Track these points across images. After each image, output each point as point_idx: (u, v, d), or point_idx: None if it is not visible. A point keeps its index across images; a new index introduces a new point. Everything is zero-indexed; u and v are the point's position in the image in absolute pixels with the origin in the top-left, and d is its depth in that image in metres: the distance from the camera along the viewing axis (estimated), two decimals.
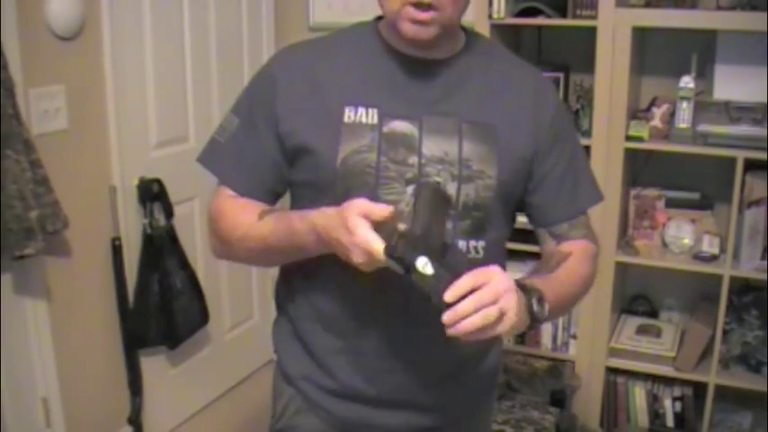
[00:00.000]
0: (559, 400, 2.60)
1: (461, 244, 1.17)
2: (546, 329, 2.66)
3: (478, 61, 1.21)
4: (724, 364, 2.44)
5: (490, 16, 2.46)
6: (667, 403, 2.55)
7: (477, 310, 0.96)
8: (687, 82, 2.33)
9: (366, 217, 1.00)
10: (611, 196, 2.44)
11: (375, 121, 1.14)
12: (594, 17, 2.35)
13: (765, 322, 2.40)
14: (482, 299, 0.96)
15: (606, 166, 2.42)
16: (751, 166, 2.29)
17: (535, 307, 1.06)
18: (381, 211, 1.01)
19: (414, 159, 1.14)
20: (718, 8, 2.32)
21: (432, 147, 1.15)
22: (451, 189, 1.14)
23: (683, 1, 2.34)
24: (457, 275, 0.98)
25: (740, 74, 2.32)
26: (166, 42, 2.49)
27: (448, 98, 1.17)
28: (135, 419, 2.48)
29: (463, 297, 0.96)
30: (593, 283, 1.28)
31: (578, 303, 1.31)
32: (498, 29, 2.50)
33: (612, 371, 2.60)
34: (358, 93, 1.16)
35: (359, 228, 1.00)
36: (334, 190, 1.14)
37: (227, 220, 1.21)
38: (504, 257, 1.30)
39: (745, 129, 2.26)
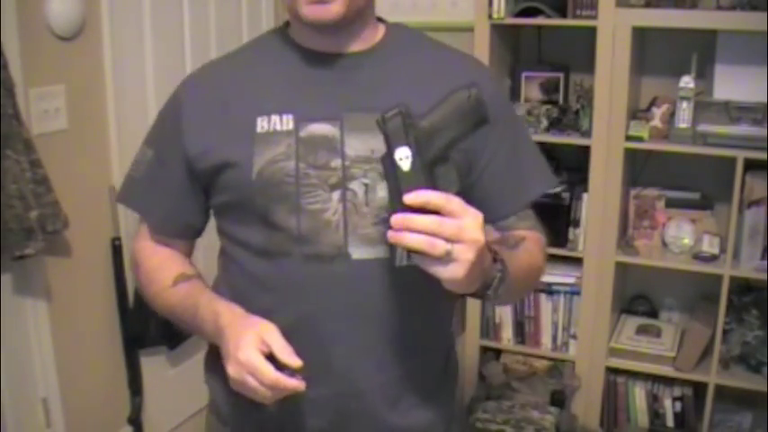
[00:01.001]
0: (559, 400, 2.60)
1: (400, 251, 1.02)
2: (546, 329, 2.66)
3: (403, 52, 1.13)
4: (724, 364, 2.44)
5: (490, 16, 2.46)
6: (667, 403, 2.55)
7: (427, 233, 0.84)
8: (687, 82, 2.33)
9: (265, 344, 0.94)
10: (611, 196, 2.44)
11: (291, 126, 1.06)
12: (594, 17, 2.35)
13: (765, 322, 2.40)
14: (441, 227, 0.85)
15: (606, 166, 2.42)
16: (751, 166, 2.29)
17: (495, 282, 0.97)
18: (283, 351, 0.94)
19: (337, 162, 1.05)
20: (719, 8, 2.32)
21: (356, 146, 1.06)
22: (382, 190, 1.05)
23: (683, 1, 2.34)
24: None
25: (740, 74, 2.32)
26: (166, 42, 2.49)
27: (371, 93, 1.08)
28: (135, 419, 2.48)
29: (425, 212, 0.85)
30: (542, 274, 1.20)
31: (524, 295, 1.24)
32: (498, 29, 2.50)
33: (612, 371, 2.60)
34: (270, 100, 1.08)
35: (249, 346, 0.94)
36: (254, 206, 1.07)
37: (144, 270, 1.18)
38: None
39: (745, 129, 2.26)
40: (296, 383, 0.94)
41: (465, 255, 0.86)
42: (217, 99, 1.10)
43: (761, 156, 2.24)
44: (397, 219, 0.85)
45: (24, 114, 1.93)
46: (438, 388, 1.22)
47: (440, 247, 0.84)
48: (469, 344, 2.72)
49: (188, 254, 1.23)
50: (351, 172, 1.05)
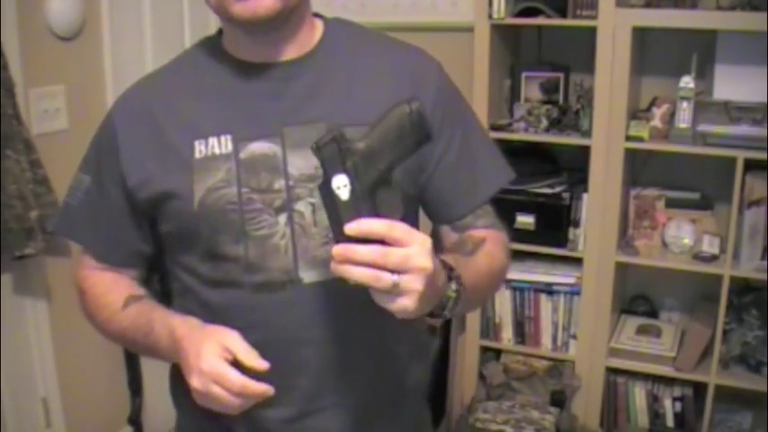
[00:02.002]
0: (559, 400, 2.60)
1: None
2: (546, 329, 2.66)
3: (342, 53, 1.06)
4: (724, 364, 2.44)
5: (490, 16, 2.46)
6: (667, 403, 2.55)
7: (370, 265, 0.79)
8: (687, 82, 2.33)
9: (227, 351, 0.90)
10: (611, 196, 2.44)
11: (229, 149, 0.99)
12: (594, 17, 2.35)
13: (765, 322, 2.40)
14: (385, 258, 0.79)
15: (606, 166, 2.42)
16: (751, 166, 2.29)
17: (449, 303, 0.91)
18: (248, 355, 0.90)
19: (280, 183, 0.99)
20: (719, 8, 2.32)
21: (299, 163, 0.99)
22: None
23: (683, 1, 2.34)
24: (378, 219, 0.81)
25: (740, 74, 2.32)
26: (166, 42, 2.49)
27: (310, 102, 1.02)
28: (135, 419, 2.48)
29: (368, 242, 0.80)
30: (506, 273, 1.14)
31: (486, 300, 1.19)
32: (498, 29, 2.50)
33: (612, 371, 2.60)
34: (206, 121, 1.01)
35: (210, 354, 0.90)
36: (199, 236, 1.02)
37: (90, 298, 1.12)
38: None
39: (745, 129, 2.26)
40: (264, 387, 0.90)
41: (413, 285, 0.81)
42: (151, 123, 1.04)
43: (761, 156, 2.24)
44: (339, 250, 0.80)
45: (24, 114, 1.93)
46: (407, 402, 1.18)
47: (384, 279, 0.80)
48: (469, 344, 2.72)
49: (138, 280, 1.16)
50: (295, 192, 1.00)
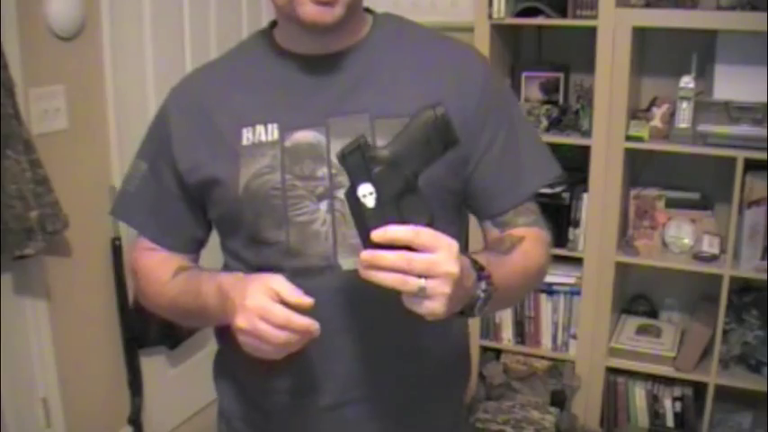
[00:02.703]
0: (559, 400, 2.60)
1: None
2: (546, 329, 2.66)
3: (388, 46, 1.08)
4: (724, 364, 2.44)
5: (490, 16, 2.46)
6: (667, 403, 2.55)
7: (397, 271, 0.82)
8: (687, 82, 2.33)
9: (275, 294, 0.90)
10: (611, 196, 2.44)
11: (275, 137, 1.03)
12: (594, 17, 2.35)
13: (765, 322, 2.40)
14: (411, 263, 0.81)
15: (606, 166, 2.42)
16: (751, 166, 2.29)
17: (478, 303, 0.92)
18: (292, 293, 0.90)
19: (323, 171, 1.03)
20: (718, 8, 2.32)
21: None
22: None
23: (683, 1, 2.34)
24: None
25: (740, 74, 2.32)
26: (166, 42, 2.49)
27: (355, 93, 1.04)
28: (135, 419, 2.48)
29: (394, 248, 0.82)
30: (546, 274, 1.14)
31: (523, 298, 1.20)
32: (498, 29, 2.50)
33: (612, 371, 2.60)
34: (255, 110, 1.05)
35: (257, 292, 0.90)
36: (242, 222, 1.06)
37: (142, 276, 1.16)
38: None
39: (745, 129, 2.26)
40: (308, 321, 0.90)
41: (440, 289, 0.83)
42: (201, 111, 1.08)
43: (761, 156, 2.24)
44: (366, 256, 0.83)
45: (24, 114, 1.93)
46: (442, 393, 1.19)
47: (411, 284, 0.82)
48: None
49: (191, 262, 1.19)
50: (337, 180, 1.02)
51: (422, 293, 0.82)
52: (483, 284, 0.93)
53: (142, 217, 1.16)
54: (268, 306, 0.90)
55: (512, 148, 1.10)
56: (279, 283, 0.92)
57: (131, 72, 2.37)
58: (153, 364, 2.56)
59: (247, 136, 1.04)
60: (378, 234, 0.82)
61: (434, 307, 0.83)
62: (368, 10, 1.12)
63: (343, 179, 0.98)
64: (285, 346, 0.91)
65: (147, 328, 2.43)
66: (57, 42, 2.10)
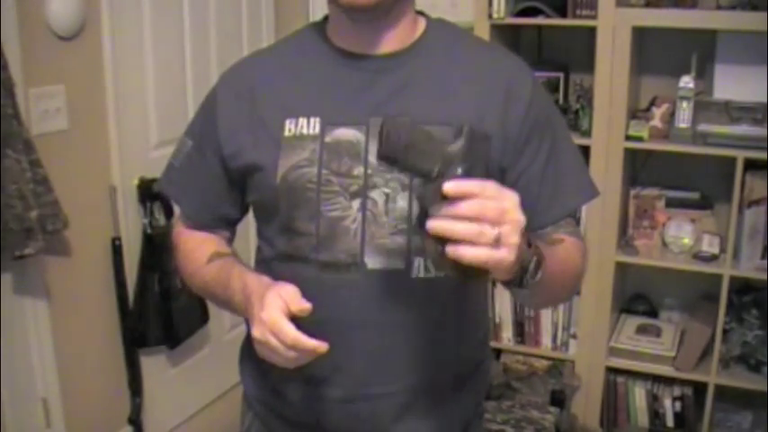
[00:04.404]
0: (559, 399, 2.60)
1: (417, 263, 1.06)
2: (546, 329, 2.66)
3: (438, 52, 1.10)
4: (724, 364, 2.44)
5: (490, 16, 2.46)
6: (667, 403, 2.55)
7: (474, 219, 0.81)
8: (687, 82, 2.33)
9: (286, 304, 0.94)
10: (611, 196, 2.44)
11: (317, 131, 1.06)
12: (594, 17, 2.35)
13: (765, 322, 2.40)
14: (484, 209, 0.81)
15: (606, 166, 2.42)
16: (751, 165, 2.29)
17: (531, 266, 0.91)
18: (298, 304, 0.94)
19: (359, 170, 1.05)
20: (718, 8, 2.32)
21: None
22: (402, 201, 1.04)
23: (683, 1, 2.34)
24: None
25: (740, 74, 2.32)
26: (166, 42, 2.49)
27: (399, 97, 1.06)
28: (135, 419, 2.48)
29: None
30: (582, 280, 1.15)
31: (563, 297, 1.19)
32: (498, 29, 2.50)
33: (612, 371, 2.60)
34: (299, 102, 1.08)
35: (272, 306, 0.94)
36: (277, 210, 1.09)
37: (181, 253, 1.22)
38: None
39: (745, 129, 2.26)
40: (315, 343, 0.93)
41: (511, 238, 0.83)
42: (249, 98, 1.11)
43: (761, 156, 2.24)
44: (437, 217, 0.82)
45: (24, 114, 1.93)
46: (456, 401, 1.20)
47: (488, 233, 0.81)
48: None
49: (227, 240, 1.24)
50: (372, 180, 1.04)
51: (495, 243, 0.82)
52: (532, 250, 0.93)
53: (181, 192, 1.22)
54: (280, 324, 0.93)
55: (553, 164, 1.11)
56: (288, 293, 0.95)
57: (131, 72, 2.37)
58: (153, 364, 2.56)
59: (290, 127, 1.07)
60: (450, 186, 0.81)
61: (505, 255, 0.82)
62: (422, 13, 1.14)
63: (378, 180, 1.04)
64: (295, 362, 0.96)
65: (147, 328, 2.43)
66: (57, 42, 2.10)
